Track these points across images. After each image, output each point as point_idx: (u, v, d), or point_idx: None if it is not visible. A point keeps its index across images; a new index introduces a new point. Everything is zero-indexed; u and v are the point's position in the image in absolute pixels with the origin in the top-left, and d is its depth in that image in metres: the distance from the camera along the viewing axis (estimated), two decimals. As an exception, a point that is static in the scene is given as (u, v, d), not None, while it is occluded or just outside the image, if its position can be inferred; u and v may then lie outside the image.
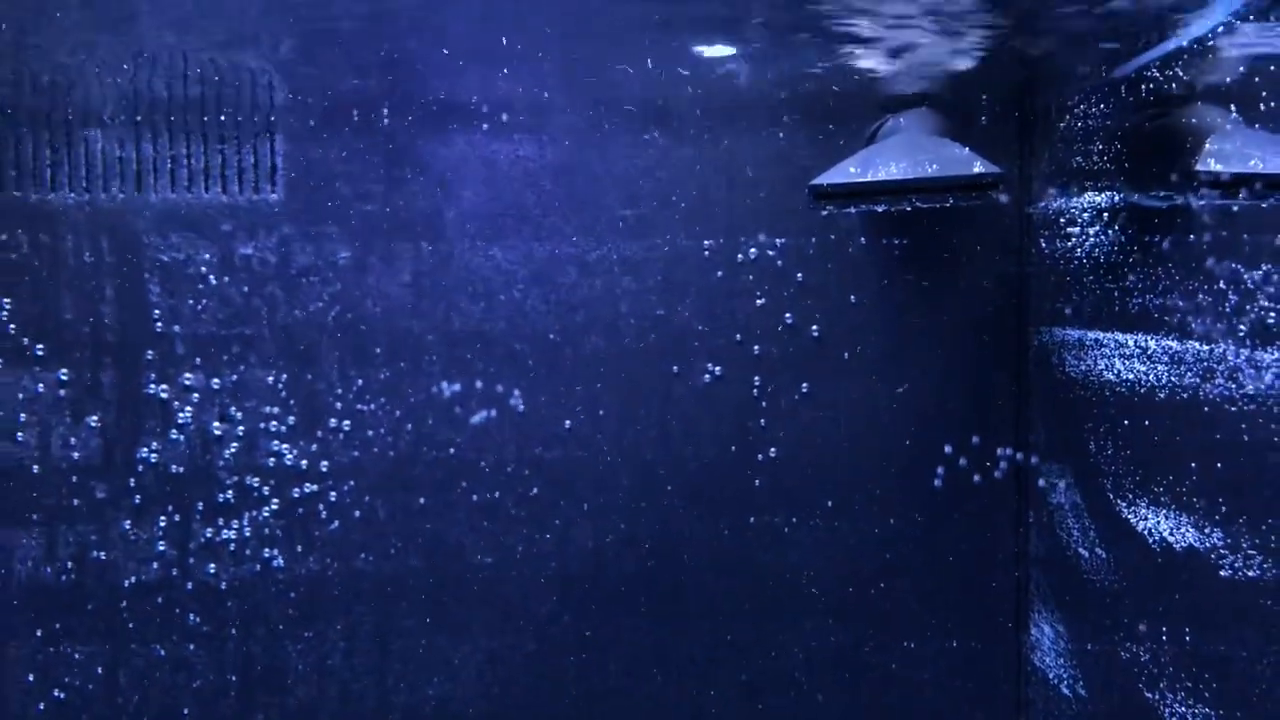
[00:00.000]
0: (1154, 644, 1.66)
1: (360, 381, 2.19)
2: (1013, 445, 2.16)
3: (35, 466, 2.13)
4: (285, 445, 2.17)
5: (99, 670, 2.14)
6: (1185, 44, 1.61)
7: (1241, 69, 1.57)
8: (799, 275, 2.19)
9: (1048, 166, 2.03)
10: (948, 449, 2.18)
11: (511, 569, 2.20)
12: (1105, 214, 1.82)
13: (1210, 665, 1.55)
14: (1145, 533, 1.65)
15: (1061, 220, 1.96)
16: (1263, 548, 1.42)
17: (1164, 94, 1.68)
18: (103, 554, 2.14)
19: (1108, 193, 1.81)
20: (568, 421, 2.20)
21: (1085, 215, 1.88)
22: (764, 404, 2.20)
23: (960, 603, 2.19)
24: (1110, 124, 1.82)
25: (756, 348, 2.19)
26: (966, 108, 2.10)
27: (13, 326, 2.12)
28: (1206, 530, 1.48)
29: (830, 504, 2.20)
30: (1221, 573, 1.41)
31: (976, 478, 2.17)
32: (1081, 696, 1.91)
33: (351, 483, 2.18)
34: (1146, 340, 1.64)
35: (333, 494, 2.18)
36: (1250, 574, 1.39)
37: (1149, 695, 1.66)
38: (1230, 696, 1.51)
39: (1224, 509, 1.48)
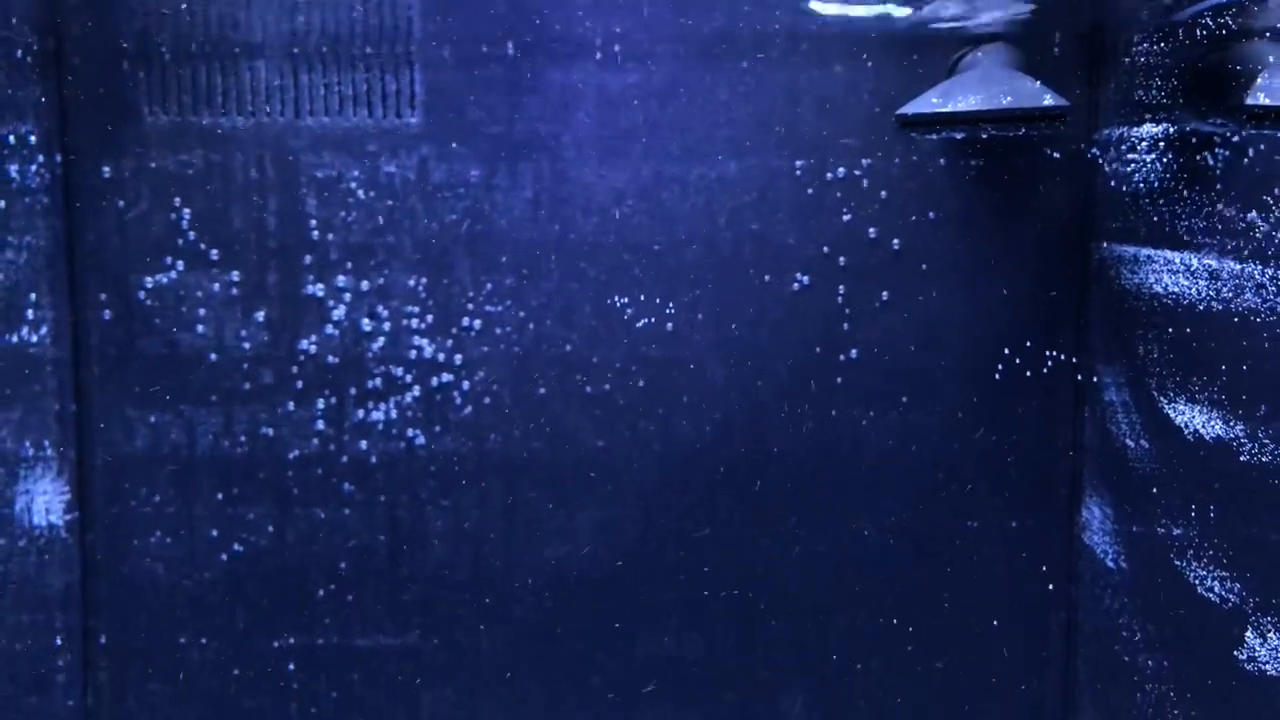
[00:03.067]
0: (1187, 523, 1.90)
1: (489, 286, 2.46)
2: (1072, 348, 2.39)
3: (213, 355, 2.45)
4: (424, 340, 2.46)
5: (269, 529, 2.48)
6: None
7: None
8: (882, 193, 2.41)
9: (1112, 98, 2.21)
10: (1013, 350, 2.41)
11: (620, 451, 2.47)
12: (1161, 143, 2.02)
13: (1237, 543, 1.79)
14: (1182, 424, 1.89)
15: (1123, 147, 2.16)
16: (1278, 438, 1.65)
17: (1218, 35, 1.86)
18: (270, 431, 2.47)
19: (1165, 124, 2.01)
20: (669, 324, 2.46)
21: (1144, 144, 2.08)
22: (847, 310, 2.44)
23: (1020, 487, 2.44)
24: (1169, 61, 2.00)
25: (842, 259, 2.43)
26: (1040, 44, 2.28)
27: (192, 234, 2.43)
28: (1232, 423, 1.72)
29: (905, 400, 2.45)
30: (1241, 458, 1.65)
31: (1038, 376, 2.41)
32: (1124, 570, 2.17)
33: (481, 374, 2.47)
34: (1190, 258, 1.86)
35: (465, 383, 2.47)
36: (1264, 460, 1.62)
37: (1181, 567, 1.91)
38: (1256, 571, 1.75)
39: (1248, 405, 1.71)
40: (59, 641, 2.44)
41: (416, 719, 2.50)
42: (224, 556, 2.47)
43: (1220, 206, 1.77)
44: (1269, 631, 1.60)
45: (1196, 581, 1.84)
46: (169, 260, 2.41)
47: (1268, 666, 1.62)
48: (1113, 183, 2.22)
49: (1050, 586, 2.45)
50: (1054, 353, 2.40)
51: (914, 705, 2.48)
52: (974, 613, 2.46)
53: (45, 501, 2.40)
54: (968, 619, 2.47)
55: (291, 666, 2.48)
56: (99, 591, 2.46)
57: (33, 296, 2.38)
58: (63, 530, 2.43)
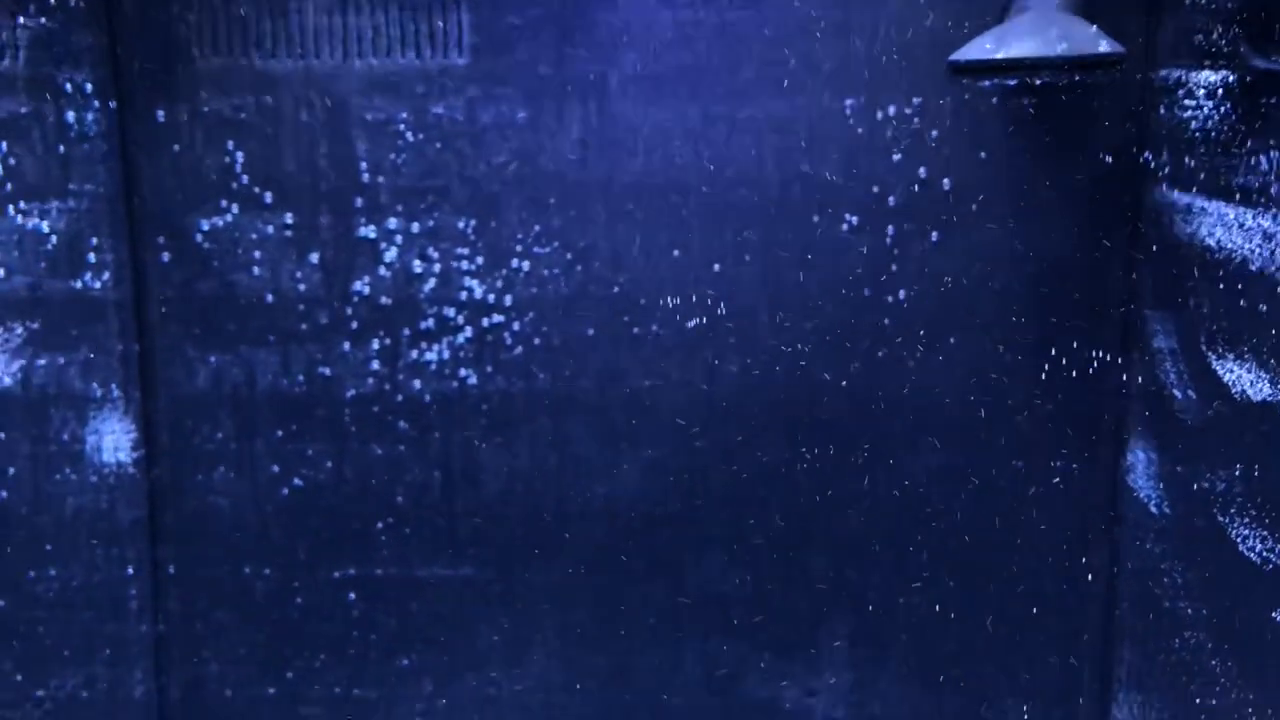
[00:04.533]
0: (1230, 479, 1.91)
1: (537, 227, 2.48)
2: (1121, 292, 2.37)
3: (270, 296, 2.50)
4: (475, 281, 2.49)
5: (328, 464, 2.56)
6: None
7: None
8: (933, 133, 2.38)
9: (1170, 41, 2.16)
10: (1061, 293, 2.40)
11: (667, 391, 2.51)
12: (1220, 90, 1.98)
13: (1273, 498, 1.80)
14: (1229, 382, 1.88)
15: (1179, 93, 2.12)
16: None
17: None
18: (328, 370, 2.52)
19: (1225, 70, 1.96)
20: (717, 265, 2.47)
21: (1201, 90, 2.04)
22: (896, 251, 2.43)
23: (1066, 430, 2.46)
24: (1232, 4, 1.95)
25: (891, 199, 2.42)
26: (1098, -15, 2.23)
27: (245, 177, 2.46)
28: (1279, 387, 1.72)
29: (952, 341, 2.45)
30: (1287, 422, 1.66)
31: (1086, 318, 2.40)
32: (1166, 514, 2.19)
33: (531, 314, 2.50)
34: (1245, 215, 1.83)
35: (515, 324, 2.51)
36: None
37: (1224, 522, 1.92)
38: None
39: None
40: (130, 572, 2.55)
41: (472, 647, 2.60)
42: (285, 491, 2.55)
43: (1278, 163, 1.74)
44: (1308, 596, 1.63)
45: (1239, 539, 1.85)
46: (224, 203, 2.45)
47: (1305, 629, 1.65)
48: (1168, 129, 2.18)
49: (1093, 527, 2.48)
50: (1103, 296, 2.39)
51: (954, 639, 2.54)
52: (1016, 550, 2.50)
53: (114, 440, 2.49)
54: (1010, 556, 2.50)
55: (352, 596, 2.58)
56: (166, 524, 2.56)
57: (94, 241, 2.44)
58: (130, 467, 2.52)
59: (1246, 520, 1.82)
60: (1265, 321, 1.77)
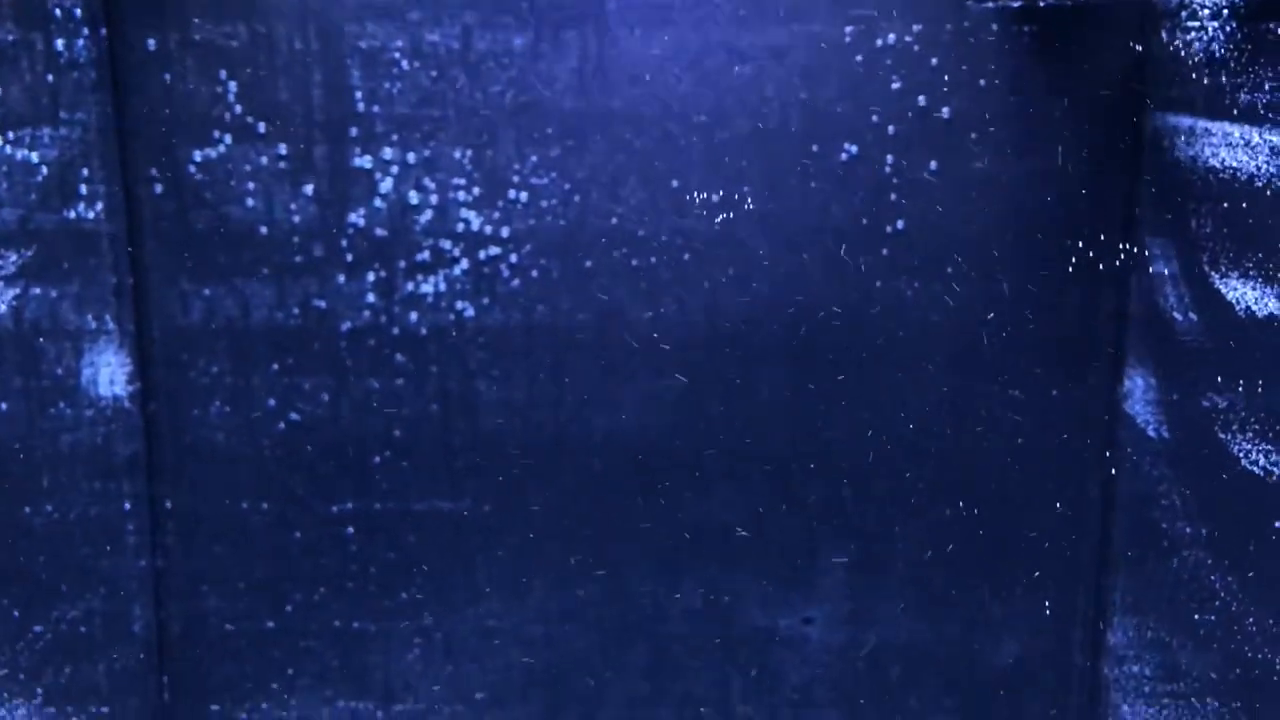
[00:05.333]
0: (1233, 397, 1.93)
1: (534, 158, 2.46)
2: (1120, 219, 2.38)
3: (263, 228, 2.47)
4: (471, 213, 2.47)
5: (324, 397, 2.54)
6: None
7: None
8: (933, 60, 2.38)
9: (1175, -37, 2.15)
10: (1060, 221, 2.40)
11: (665, 323, 2.50)
12: (1225, 10, 1.98)
13: (1278, 411, 1.82)
14: (1233, 301, 1.90)
15: (1183, 14, 2.11)
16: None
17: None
18: (323, 303, 2.50)
19: (1229, -9, 1.96)
20: (716, 195, 2.46)
21: (1204, 10, 2.03)
22: (895, 180, 2.43)
23: (1063, 356, 2.47)
24: (1238, -76, 1.94)
25: (891, 128, 2.41)
26: (1103, -95, 2.22)
27: (239, 108, 2.43)
28: (1285, 300, 1.73)
29: (949, 270, 2.46)
30: (1293, 336, 1.67)
31: (1085, 247, 2.41)
32: (1166, 439, 2.21)
33: (528, 246, 2.49)
34: (1251, 132, 1.84)
35: (513, 256, 2.49)
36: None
37: (1225, 439, 1.95)
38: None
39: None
40: (128, 506, 2.54)
41: (471, 579, 2.61)
42: (281, 425, 2.54)
43: (1286, 79, 1.74)
44: (1313, 504, 1.66)
45: (1240, 454, 1.88)
46: (216, 134, 2.42)
47: (1309, 537, 1.68)
48: (1170, 51, 2.18)
49: (1091, 454, 2.50)
50: (1102, 224, 2.39)
51: (951, 566, 2.57)
52: (1013, 478, 2.52)
53: (109, 373, 2.47)
54: (1006, 484, 2.53)
55: (350, 530, 2.58)
56: (163, 459, 2.54)
57: (85, 172, 2.40)
58: (126, 401, 2.50)
59: (1249, 435, 1.84)
60: (1273, 236, 1.78)
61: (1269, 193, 1.79)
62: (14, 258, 2.38)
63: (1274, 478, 1.77)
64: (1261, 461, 1.81)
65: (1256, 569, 1.82)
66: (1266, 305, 1.80)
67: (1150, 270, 2.25)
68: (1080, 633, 2.56)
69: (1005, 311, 2.46)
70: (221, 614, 2.61)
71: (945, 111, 2.38)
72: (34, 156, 2.37)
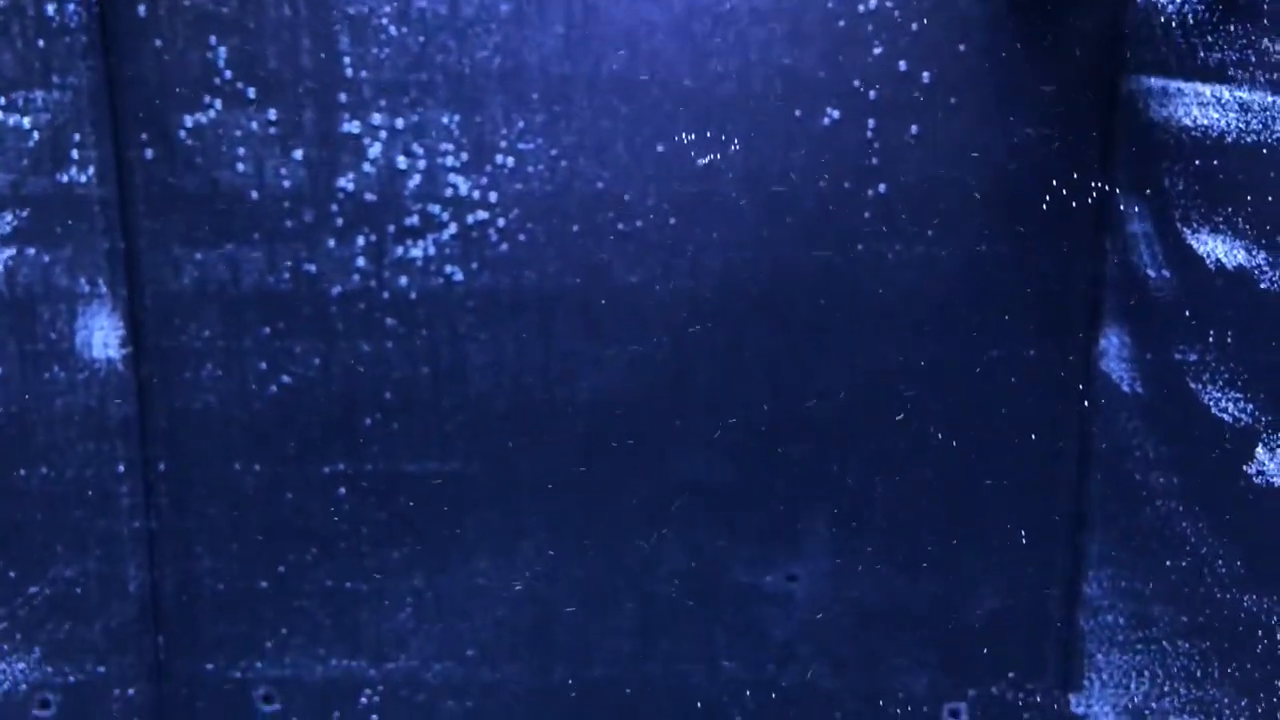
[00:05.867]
0: (1204, 348, 1.99)
1: (521, 123, 2.49)
2: (1096, 181, 2.43)
3: (254, 193, 2.50)
4: (459, 178, 2.51)
5: (315, 361, 2.57)
6: None
7: None
8: (914, 25, 2.42)
9: (1150, -74, 2.20)
10: (1037, 183, 2.45)
11: (651, 286, 2.54)
12: (1198, -27, 2.03)
13: (1252, 365, 1.88)
14: (1204, 254, 1.95)
15: (1158, -22, 2.17)
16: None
17: None
18: (313, 267, 2.54)
19: (1202, -47, 2.01)
20: (701, 160, 2.50)
21: (1179, -26, 2.09)
22: (876, 144, 2.47)
23: (1040, 317, 2.52)
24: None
25: (872, 93, 2.45)
26: None
27: (228, 73, 2.45)
28: (1254, 252, 1.79)
29: (930, 233, 2.50)
30: (1261, 285, 1.72)
31: (1061, 209, 2.46)
32: (1140, 394, 2.27)
33: (516, 211, 2.52)
34: (1221, 90, 1.89)
35: (501, 220, 2.52)
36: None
37: (1197, 389, 2.01)
38: (1270, 391, 1.84)
39: (1270, 234, 1.77)
40: (121, 469, 2.57)
41: (461, 539, 2.65)
42: (273, 388, 2.58)
43: (1257, 38, 1.79)
44: (1279, 447, 1.71)
45: (1211, 403, 1.93)
46: (207, 99, 2.44)
47: (1275, 479, 1.73)
48: (1144, 14, 2.23)
49: (1067, 412, 2.56)
50: (1078, 186, 2.44)
51: (929, 523, 2.63)
52: (990, 438, 2.58)
53: (103, 336, 2.50)
54: (984, 444, 2.58)
55: (342, 490, 2.62)
56: (156, 422, 2.58)
57: (77, 138, 2.42)
58: (119, 364, 2.53)
59: (1219, 385, 1.90)
60: (1241, 190, 1.83)
61: (1237, 148, 1.85)
62: (9, 220, 2.41)
63: (1241, 424, 1.83)
64: (1230, 409, 1.87)
65: (1225, 514, 1.88)
66: (1235, 257, 1.85)
67: (1125, 229, 2.31)
68: (1057, 587, 2.62)
69: (984, 273, 2.51)
70: (215, 574, 2.65)
71: (925, 76, 2.42)
72: (26, 122, 2.39)
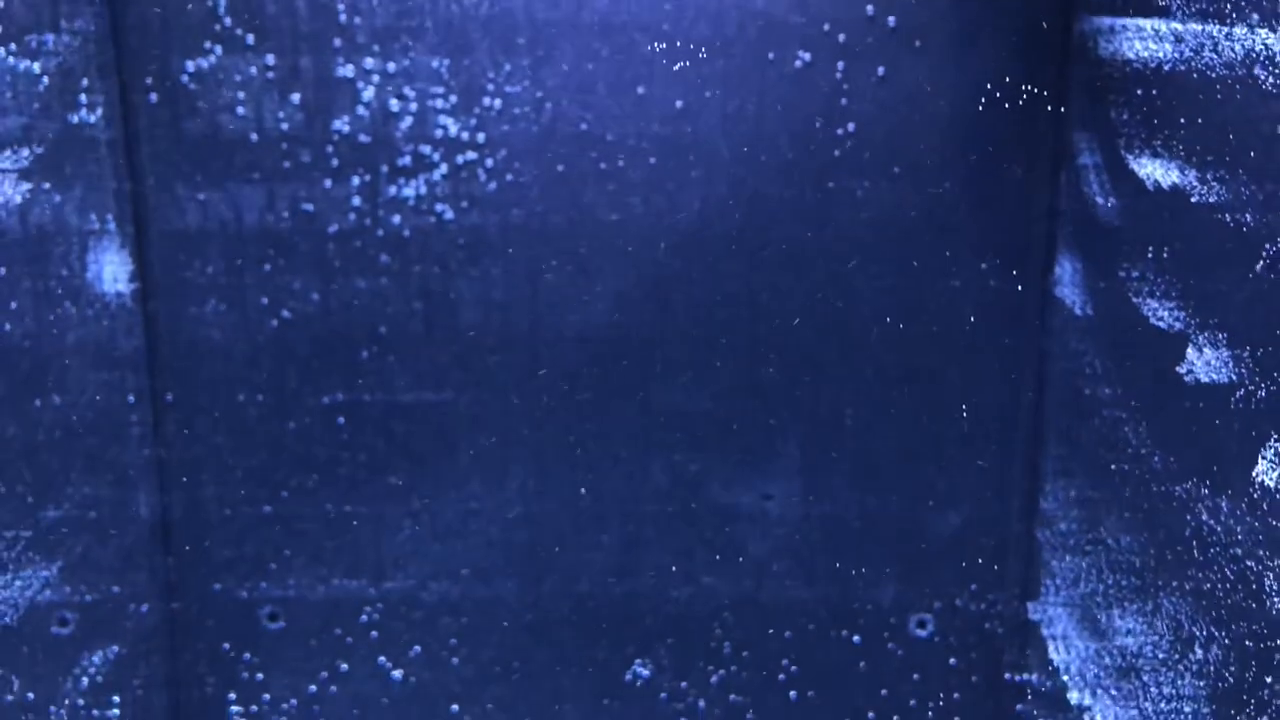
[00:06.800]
0: (1144, 265, 2.14)
1: (507, 66, 2.61)
2: (1051, 118, 2.58)
3: (254, 135, 2.63)
4: (449, 119, 2.63)
5: (314, 296, 2.70)
6: None
7: None
8: (879, -28, 2.56)
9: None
10: (996, 123, 2.59)
11: (633, 224, 2.67)
12: (1140, -84, 2.17)
13: (1183, 273, 2.02)
14: (1144, 178, 2.10)
15: (1105, -79, 2.31)
16: (1227, 180, 1.87)
17: None
18: (311, 206, 2.66)
19: (1144, -103, 2.15)
20: (679, 101, 2.63)
21: (1124, -83, 2.23)
22: (845, 85, 2.61)
23: (998, 251, 2.67)
24: None
25: (841, 36, 2.58)
26: None
27: (228, 19, 2.57)
28: (1185, 171, 1.93)
29: (896, 170, 2.64)
30: (1192, 199, 1.87)
31: (1019, 146, 2.60)
32: (1090, 315, 2.42)
33: (503, 152, 2.65)
34: (1159, 24, 2.04)
35: (489, 160, 2.65)
36: (1210, 200, 1.85)
37: (1138, 303, 2.16)
38: (1198, 296, 1.99)
39: (1201, 153, 1.92)
40: (131, 399, 2.70)
41: (455, 465, 2.79)
42: (274, 322, 2.71)
43: (1186, -28, 1.94)
44: (1205, 346, 1.87)
45: (1149, 313, 2.09)
46: (208, 45, 2.56)
47: (1201, 375, 1.89)
48: (1094, -43, 2.37)
49: (1024, 338, 2.71)
50: (1034, 123, 2.59)
51: (897, 444, 2.78)
52: (952, 364, 2.73)
53: (112, 271, 2.62)
54: (948, 369, 2.73)
55: (341, 420, 2.75)
56: (163, 354, 2.71)
57: (85, 82, 2.54)
58: (128, 299, 2.66)
59: (1156, 295, 2.05)
60: (1175, 114, 1.98)
61: (1172, 76, 1.99)
62: (23, 157, 2.53)
63: (1175, 330, 1.99)
64: (1165, 317, 2.03)
65: (1161, 414, 2.04)
66: (1170, 177, 2.00)
67: (1077, 162, 2.46)
68: (1016, 501, 2.78)
69: (948, 208, 2.65)
70: (222, 501, 2.79)
71: (891, 20, 2.56)
72: (36, 66, 2.51)
